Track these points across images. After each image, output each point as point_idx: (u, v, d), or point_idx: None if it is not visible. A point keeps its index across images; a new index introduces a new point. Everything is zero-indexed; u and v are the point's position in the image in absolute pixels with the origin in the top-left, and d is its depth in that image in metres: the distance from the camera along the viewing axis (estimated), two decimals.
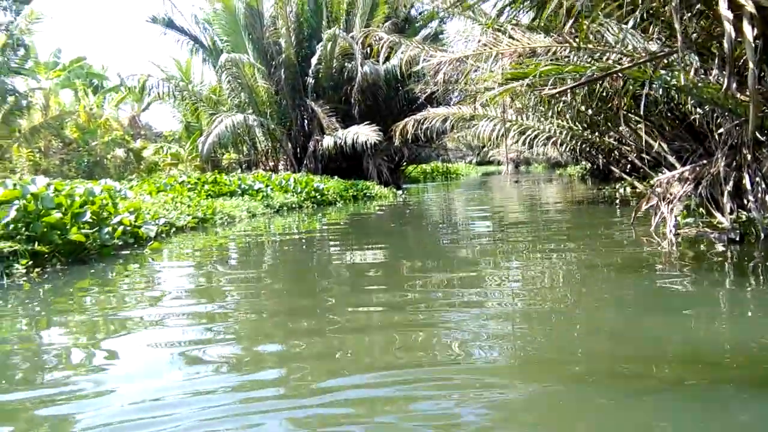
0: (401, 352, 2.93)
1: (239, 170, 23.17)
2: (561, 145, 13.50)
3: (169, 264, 6.59)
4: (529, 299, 3.99)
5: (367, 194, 16.77)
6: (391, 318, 3.61)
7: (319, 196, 14.86)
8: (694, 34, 5.31)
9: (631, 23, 5.22)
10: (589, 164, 22.25)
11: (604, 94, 7.97)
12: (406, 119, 13.87)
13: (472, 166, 58.08)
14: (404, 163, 25.53)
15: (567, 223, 8.55)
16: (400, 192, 17.83)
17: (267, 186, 14.37)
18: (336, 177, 17.81)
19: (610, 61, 5.35)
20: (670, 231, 5.96)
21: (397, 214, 12.75)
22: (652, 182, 6.84)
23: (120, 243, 7.24)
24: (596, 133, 11.81)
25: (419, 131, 14.26)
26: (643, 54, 4.92)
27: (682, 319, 3.34)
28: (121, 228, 7.15)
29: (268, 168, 20.99)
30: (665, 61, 5.21)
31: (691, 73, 5.19)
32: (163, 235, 8.92)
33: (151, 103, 25.18)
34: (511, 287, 4.33)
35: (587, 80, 4.92)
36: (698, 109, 6.49)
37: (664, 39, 5.81)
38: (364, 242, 7.91)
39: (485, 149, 54.08)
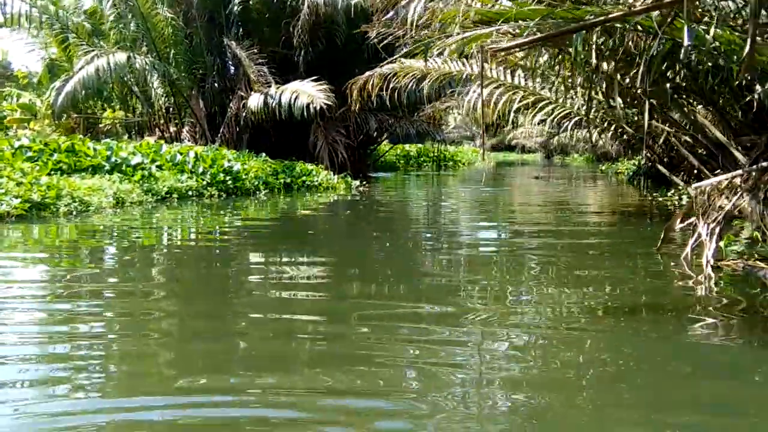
0: None
1: (126, 136, 22.86)
2: (598, 129, 13.60)
3: None
4: (507, 359, 3.94)
5: (307, 183, 16.60)
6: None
7: (230, 182, 14.63)
8: None
9: None
10: (644, 159, 22.39)
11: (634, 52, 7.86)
12: (368, 73, 13.66)
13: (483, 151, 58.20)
14: (372, 142, 25.39)
15: (587, 247, 8.51)
16: (356, 183, 17.60)
17: (152, 161, 14.07)
18: (264, 155, 17.55)
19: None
20: (707, 262, 5.97)
21: (347, 217, 12.61)
22: (689, 190, 6.76)
23: None
24: (639, 115, 11.82)
25: (388, 95, 14.07)
26: None
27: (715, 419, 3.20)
28: None
29: (167, 135, 20.67)
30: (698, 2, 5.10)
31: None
32: None
33: None
34: (487, 344, 4.29)
35: (573, 29, 4.75)
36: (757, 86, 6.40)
37: None
38: (286, 258, 7.67)
39: (504, 128, 54.59)
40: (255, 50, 18.53)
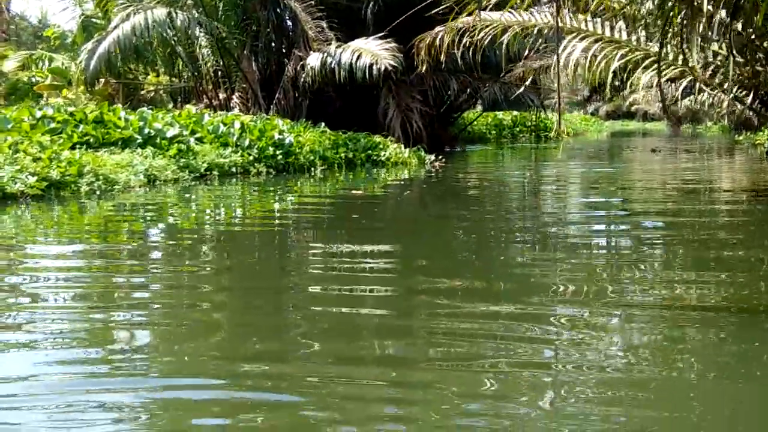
0: None
1: (171, 104, 23.41)
2: (730, 91, 13.11)
3: None
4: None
5: (373, 158, 16.60)
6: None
7: (281, 157, 14.77)
8: None
9: None
10: None
11: None
12: (437, 29, 13.53)
13: (596, 119, 57.08)
14: (456, 110, 25.20)
15: (709, 237, 8.28)
16: (431, 158, 17.46)
17: (191, 133, 14.33)
18: (323, 126, 17.64)
19: None
20: None
21: (410, 199, 12.57)
22: None
23: None
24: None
25: (469, 53, 13.92)
26: None
27: None
28: None
29: (216, 103, 21.05)
30: None
31: None
32: None
33: None
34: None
35: None
36: None
37: None
38: (329, 247, 7.62)
39: (622, 92, 53.46)
40: (313, 2, 18.62)
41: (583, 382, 3.63)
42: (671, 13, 10.24)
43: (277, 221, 9.65)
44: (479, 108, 28.75)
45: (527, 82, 18.71)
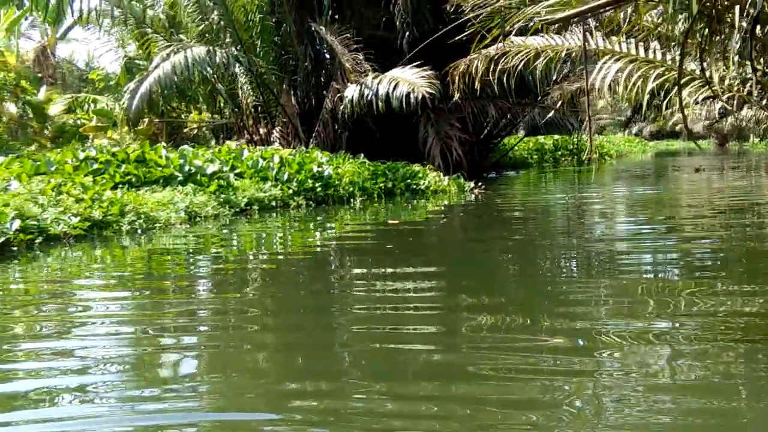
0: None
1: (213, 141, 23.89)
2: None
3: None
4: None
5: (412, 187, 16.75)
6: None
7: (320, 189, 14.97)
8: None
9: None
10: None
11: None
12: (472, 56, 13.68)
13: (639, 139, 56.72)
14: (496, 136, 25.27)
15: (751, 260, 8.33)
16: (470, 185, 17.57)
17: (231, 168, 14.60)
18: (362, 157, 17.87)
19: None
20: None
21: (445, 229, 12.66)
22: None
23: None
24: None
25: (502, 79, 14.05)
26: None
27: None
28: None
29: (257, 138, 21.43)
30: None
31: None
32: (18, 249, 9.25)
33: (72, 27, 26.20)
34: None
35: None
36: None
37: None
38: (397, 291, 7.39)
39: (667, 113, 52.89)
40: (349, 35, 18.91)
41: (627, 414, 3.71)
42: (704, 32, 10.29)
43: (308, 255, 9.81)
44: (521, 133, 28.83)
45: (564, 106, 18.77)
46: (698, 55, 12.29)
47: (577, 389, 4.06)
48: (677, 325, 5.31)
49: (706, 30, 9.71)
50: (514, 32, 12.21)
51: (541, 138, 33.39)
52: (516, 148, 29.90)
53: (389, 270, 7.97)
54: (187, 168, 14.02)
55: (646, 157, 43.26)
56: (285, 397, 4.17)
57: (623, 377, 4.26)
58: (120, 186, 12.73)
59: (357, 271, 8.34)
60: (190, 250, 10.13)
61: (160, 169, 13.81)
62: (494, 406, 3.89)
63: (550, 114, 19.07)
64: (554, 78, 17.68)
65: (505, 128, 25.37)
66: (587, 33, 12.32)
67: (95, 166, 13.33)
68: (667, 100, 13.62)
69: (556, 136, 33.47)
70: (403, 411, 3.87)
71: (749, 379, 4.21)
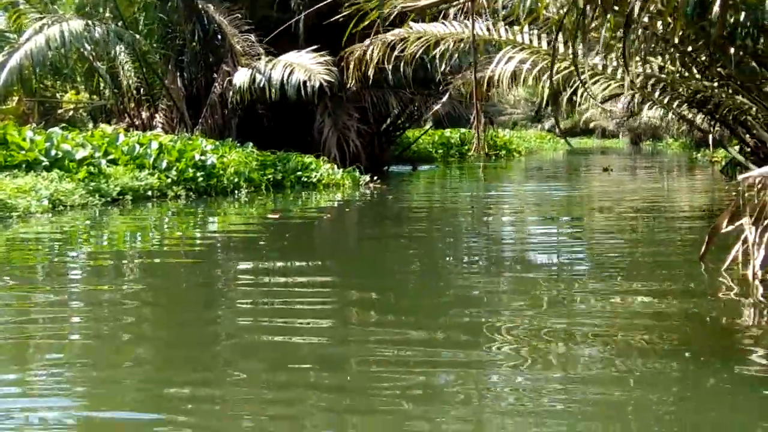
0: None
1: (91, 124, 23.03)
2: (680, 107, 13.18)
3: None
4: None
5: (303, 179, 16.50)
6: None
7: (203, 179, 14.60)
8: None
9: None
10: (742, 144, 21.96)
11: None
12: (367, 41, 13.41)
13: (551, 136, 57.59)
14: (399, 128, 25.14)
15: (620, 258, 8.63)
16: (365, 179, 17.33)
17: (104, 154, 14.08)
18: (251, 146, 17.43)
19: None
20: (755, 275, 6.05)
21: (333, 226, 12.47)
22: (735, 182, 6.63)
23: None
24: (718, 86, 11.47)
25: (402, 65, 13.85)
26: None
27: None
28: None
29: (138, 122, 20.73)
30: None
31: None
32: None
33: None
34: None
35: None
36: None
37: None
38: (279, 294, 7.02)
39: (579, 107, 53.98)
40: (240, 15, 18.52)
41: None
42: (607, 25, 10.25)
43: (177, 249, 9.45)
44: (429, 125, 28.81)
45: (467, 97, 18.68)
46: (604, 51, 12.35)
47: (467, 380, 4.24)
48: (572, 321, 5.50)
49: (606, 24, 9.66)
50: (408, 18, 12.06)
51: (447, 132, 33.42)
52: (420, 141, 29.85)
53: (262, 266, 7.94)
54: (53, 152, 13.44)
55: (558, 154, 43.97)
56: (163, 390, 4.15)
57: (513, 369, 4.40)
58: None
59: (229, 266, 8.26)
60: (54, 241, 9.70)
61: (23, 152, 13.19)
62: (384, 396, 4.02)
63: (439, 106, 19.02)
64: (459, 67, 17.64)
65: (409, 120, 25.28)
66: (481, 22, 12.23)
67: None
68: (568, 95, 13.67)
69: (463, 130, 33.55)
70: (287, 399, 3.99)
71: (641, 372, 4.41)
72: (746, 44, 8.95)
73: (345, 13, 9.65)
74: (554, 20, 12.24)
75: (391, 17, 11.10)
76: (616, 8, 7.68)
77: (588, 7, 8.98)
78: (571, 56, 12.30)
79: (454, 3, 7.42)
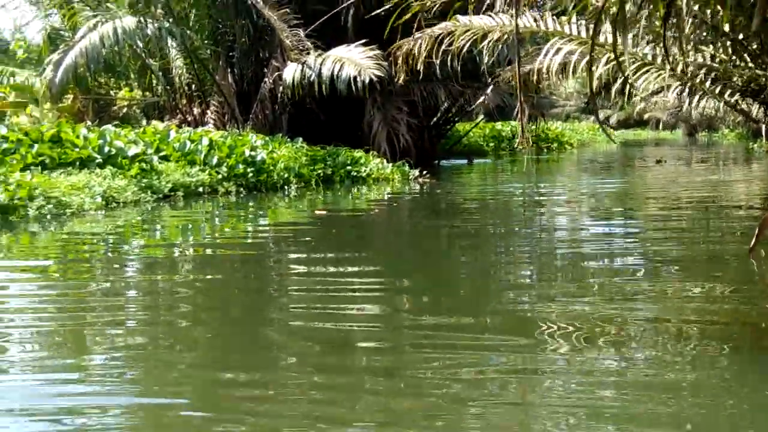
0: None
1: (145, 121, 23.44)
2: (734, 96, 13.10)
3: None
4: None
5: (353, 174, 16.62)
6: None
7: (252, 175, 14.77)
8: None
9: None
10: None
11: None
12: (417, 34, 13.51)
13: (604, 127, 56.90)
14: (449, 121, 25.17)
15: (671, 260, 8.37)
16: (415, 173, 17.40)
17: (156, 151, 14.34)
18: (301, 141, 17.62)
19: None
20: None
21: (383, 222, 12.50)
22: None
23: None
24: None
25: (450, 58, 13.92)
26: None
27: None
28: None
29: (190, 119, 21.08)
30: None
31: None
32: None
33: None
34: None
35: None
36: None
37: None
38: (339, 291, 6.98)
39: (635, 98, 53.55)
40: (288, 9, 18.67)
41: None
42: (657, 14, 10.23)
43: (224, 246, 9.62)
44: (480, 118, 28.71)
45: (517, 89, 18.65)
46: (653, 40, 12.32)
47: (517, 363, 4.35)
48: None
49: (656, 12, 9.67)
50: (452, 8, 12.13)
51: (498, 125, 33.34)
52: (471, 134, 29.84)
53: (314, 256, 8.08)
54: (107, 149, 13.71)
55: (610, 147, 43.49)
56: (213, 385, 4.22)
57: (564, 353, 4.48)
58: (32, 168, 12.37)
59: (281, 257, 8.42)
60: (109, 238, 9.92)
61: (77, 150, 13.47)
62: (440, 399, 3.91)
63: (484, 98, 19.01)
64: (507, 59, 17.62)
65: (459, 113, 25.29)
66: (528, 13, 12.26)
67: (5, 145, 12.95)
68: (616, 86, 13.64)
69: (513, 123, 33.43)
70: (339, 384, 4.08)
71: (695, 368, 4.32)
72: None
73: (386, 7, 9.78)
74: (596, 11, 12.31)
75: (433, 10, 11.26)
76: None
77: None
78: (618, 47, 12.43)
79: None
